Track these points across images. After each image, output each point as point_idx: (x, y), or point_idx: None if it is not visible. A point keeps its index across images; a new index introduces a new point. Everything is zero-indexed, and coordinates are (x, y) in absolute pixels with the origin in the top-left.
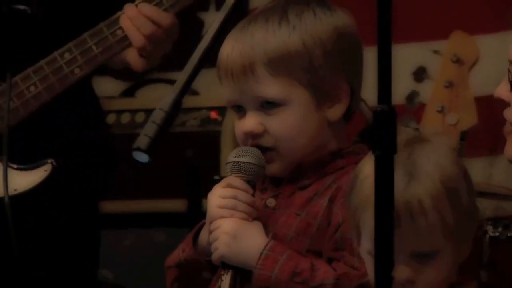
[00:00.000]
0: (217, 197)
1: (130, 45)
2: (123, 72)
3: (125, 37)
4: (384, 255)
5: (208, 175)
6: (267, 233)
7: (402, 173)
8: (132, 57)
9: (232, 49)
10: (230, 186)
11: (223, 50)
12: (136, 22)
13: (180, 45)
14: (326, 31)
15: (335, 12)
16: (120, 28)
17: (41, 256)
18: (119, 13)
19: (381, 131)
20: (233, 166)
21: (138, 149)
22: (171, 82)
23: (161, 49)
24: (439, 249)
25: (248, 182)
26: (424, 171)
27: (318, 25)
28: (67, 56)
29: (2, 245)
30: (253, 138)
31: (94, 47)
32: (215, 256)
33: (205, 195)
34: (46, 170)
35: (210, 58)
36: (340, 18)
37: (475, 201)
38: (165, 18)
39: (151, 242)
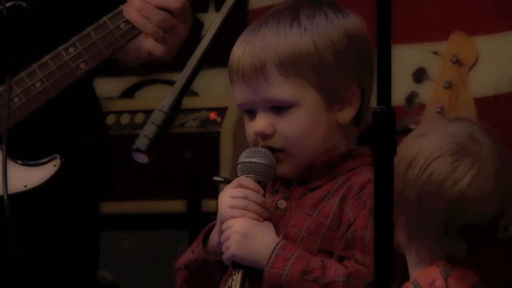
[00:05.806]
0: (228, 197)
1: (134, 38)
2: (135, 68)
3: (129, 31)
4: (384, 255)
5: (207, 176)
6: (278, 234)
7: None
8: (151, 46)
9: (243, 50)
10: (241, 186)
11: (234, 52)
12: (144, 12)
13: (179, 46)
14: (337, 33)
15: (346, 15)
16: (124, 21)
17: (41, 254)
18: (121, 6)
19: (380, 132)
20: (244, 167)
21: (138, 150)
22: (171, 82)
23: (177, 36)
24: None
25: (259, 182)
26: None
27: (330, 28)
28: (71, 51)
29: (5, 243)
30: (263, 139)
31: (98, 42)
32: (226, 256)
33: (204, 196)
34: (55, 165)
35: (209, 59)
36: (351, 21)
37: None
38: (174, 3)
39: (150, 243)
